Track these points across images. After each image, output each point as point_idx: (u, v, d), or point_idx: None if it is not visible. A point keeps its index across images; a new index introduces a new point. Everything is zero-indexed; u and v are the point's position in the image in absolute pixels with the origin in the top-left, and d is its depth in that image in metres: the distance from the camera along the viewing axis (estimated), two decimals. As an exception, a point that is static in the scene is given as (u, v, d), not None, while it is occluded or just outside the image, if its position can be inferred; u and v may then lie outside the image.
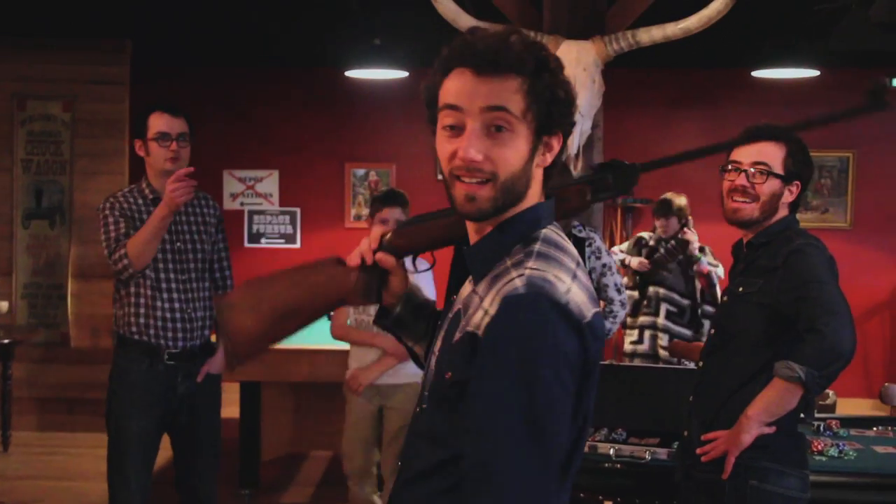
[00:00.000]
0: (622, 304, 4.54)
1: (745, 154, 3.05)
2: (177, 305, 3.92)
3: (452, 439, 1.60)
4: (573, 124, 1.69)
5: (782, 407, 2.79)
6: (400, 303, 1.94)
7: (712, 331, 3.16)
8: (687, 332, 6.09)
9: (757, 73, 6.67)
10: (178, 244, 3.97)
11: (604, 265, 4.50)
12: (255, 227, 8.70)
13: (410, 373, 4.39)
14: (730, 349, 2.99)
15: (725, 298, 3.15)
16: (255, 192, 8.70)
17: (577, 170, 4.57)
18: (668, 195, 6.38)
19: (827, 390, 4.25)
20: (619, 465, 3.36)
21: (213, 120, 8.65)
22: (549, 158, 1.66)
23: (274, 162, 8.71)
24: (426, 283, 4.25)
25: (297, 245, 8.68)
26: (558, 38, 4.53)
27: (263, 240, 8.70)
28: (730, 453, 2.83)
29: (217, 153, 8.65)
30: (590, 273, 4.47)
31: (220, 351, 4.05)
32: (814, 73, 6.56)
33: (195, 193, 3.98)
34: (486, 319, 1.56)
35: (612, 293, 4.51)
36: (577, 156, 4.53)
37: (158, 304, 3.89)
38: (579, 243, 4.44)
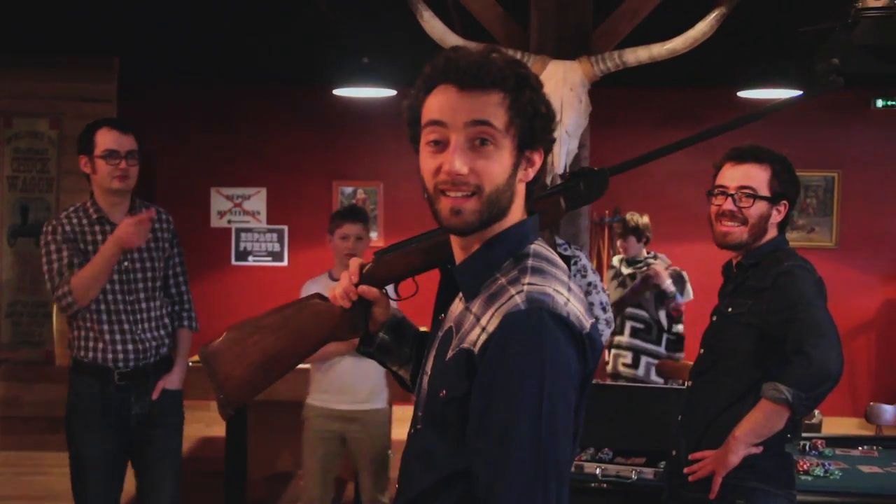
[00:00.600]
0: (607, 323, 4.54)
1: (731, 178, 3.07)
2: (126, 327, 3.79)
3: (449, 458, 1.61)
4: (553, 140, 1.71)
5: (769, 428, 2.80)
6: (383, 329, 1.94)
7: (702, 350, 3.17)
8: (657, 348, 5.95)
9: (742, 94, 6.71)
10: (126, 263, 3.82)
11: (589, 283, 4.51)
12: (242, 245, 8.69)
13: (371, 400, 4.43)
14: (719, 369, 3.01)
15: (715, 318, 3.19)
16: (243, 209, 8.69)
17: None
18: (627, 215, 6.37)
19: (813, 410, 4.27)
20: (605, 485, 3.36)
21: (201, 138, 8.66)
22: (531, 173, 1.69)
23: (262, 180, 8.71)
24: None
25: (285, 263, 8.67)
26: (545, 58, 4.54)
27: (251, 258, 8.69)
28: (717, 473, 2.84)
29: (205, 171, 8.65)
30: None
31: (177, 367, 3.96)
32: (798, 93, 6.61)
33: (147, 208, 3.92)
34: (484, 337, 1.57)
35: (597, 311, 4.52)
36: (563, 175, 4.54)
37: (105, 326, 3.76)
38: (564, 261, 4.44)
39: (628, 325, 5.94)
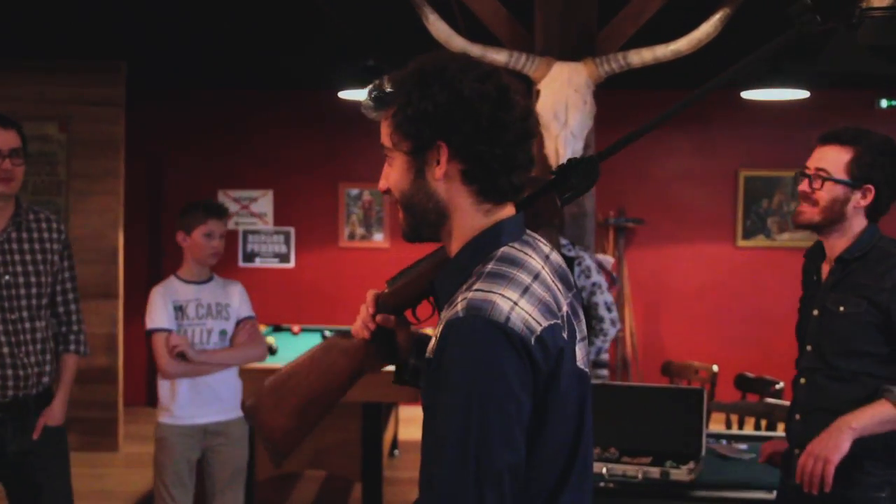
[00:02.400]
0: (612, 323, 4.56)
1: (812, 159, 2.98)
2: (5, 350, 3.34)
3: None
4: (462, 130, 1.67)
5: (884, 427, 2.76)
6: (412, 354, 1.95)
7: (808, 347, 3.12)
8: None
9: (747, 94, 6.72)
10: (7, 277, 3.38)
11: (593, 284, 4.53)
12: (249, 247, 8.72)
13: (236, 409, 4.10)
14: (840, 369, 2.93)
15: (816, 313, 3.10)
16: (250, 211, 8.73)
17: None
18: None
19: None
20: (611, 485, 3.38)
21: (208, 140, 8.69)
22: (440, 171, 1.69)
23: (268, 182, 8.74)
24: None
25: (291, 265, 8.70)
26: (550, 60, 4.57)
27: (258, 259, 8.72)
28: (830, 463, 2.72)
29: (212, 173, 8.68)
30: (579, 292, 4.49)
31: (59, 400, 3.55)
32: (803, 94, 6.61)
33: (35, 216, 3.52)
34: (433, 343, 1.62)
35: (602, 311, 4.54)
36: (553, 172, 4.56)
37: None
38: (568, 262, 4.47)
39: None
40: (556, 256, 1.80)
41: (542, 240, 1.81)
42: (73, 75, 7.18)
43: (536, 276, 1.66)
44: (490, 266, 1.65)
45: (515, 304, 1.58)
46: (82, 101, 7.16)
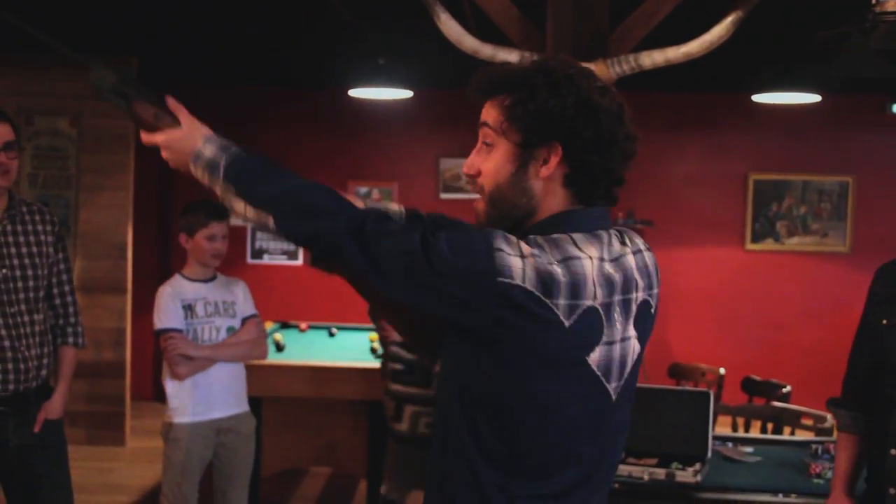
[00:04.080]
0: None
1: None
2: (6, 343, 3.34)
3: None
4: (583, 136, 1.70)
5: None
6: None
7: None
8: (418, 391, 4.59)
9: (758, 98, 6.71)
10: (5, 271, 3.38)
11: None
12: (257, 244, 8.73)
13: (243, 402, 4.18)
14: None
15: None
16: (260, 209, 8.73)
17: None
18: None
19: (824, 414, 4.27)
20: (617, 486, 3.38)
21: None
22: (546, 171, 1.71)
23: (277, 179, 8.73)
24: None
25: (299, 262, 8.71)
26: (561, 61, 4.56)
27: (266, 256, 8.73)
28: None
29: (221, 170, 8.69)
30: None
31: (59, 393, 3.56)
32: (815, 98, 6.60)
33: (28, 207, 3.50)
34: None
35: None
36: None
37: None
38: None
39: (389, 367, 4.68)
40: (631, 259, 1.77)
41: (629, 234, 1.82)
42: (84, 70, 7.14)
43: (566, 259, 1.65)
44: (538, 238, 1.68)
45: (523, 257, 1.61)
46: (93, 95, 7.12)
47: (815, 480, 3.48)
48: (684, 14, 4.74)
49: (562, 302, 1.62)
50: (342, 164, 8.73)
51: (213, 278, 4.20)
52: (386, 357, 4.34)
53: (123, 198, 7.20)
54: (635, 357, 1.78)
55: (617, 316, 1.72)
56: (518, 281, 1.58)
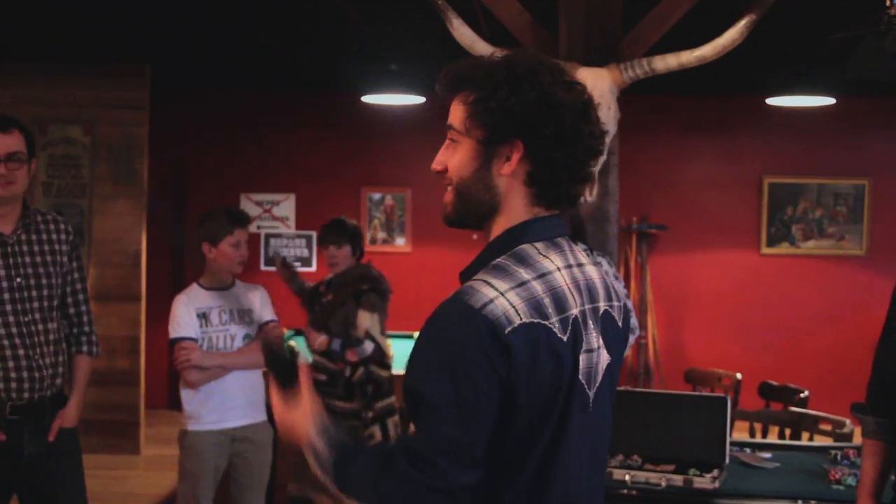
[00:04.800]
0: (631, 330, 4.52)
1: None
2: (21, 352, 3.32)
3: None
4: (543, 133, 1.69)
5: None
6: None
7: None
8: (345, 404, 4.67)
9: (772, 101, 6.68)
10: (19, 280, 3.36)
11: (612, 290, 4.50)
12: (271, 251, 8.74)
13: (259, 412, 4.16)
14: None
15: None
16: (272, 215, 8.75)
17: (591, 195, 4.58)
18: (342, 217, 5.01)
19: (843, 419, 4.24)
20: (634, 492, 3.36)
21: (231, 144, 8.72)
22: (508, 168, 1.71)
23: (291, 186, 8.75)
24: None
25: (313, 268, 8.70)
26: (574, 65, 4.55)
27: (280, 263, 8.74)
28: None
29: (234, 177, 8.71)
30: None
31: (74, 401, 3.54)
32: (829, 100, 6.57)
33: (43, 217, 3.50)
34: None
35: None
36: (592, 182, 4.55)
37: None
38: None
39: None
40: (590, 272, 1.79)
41: (578, 248, 1.81)
42: (97, 78, 7.21)
43: (541, 276, 1.67)
44: (498, 260, 1.69)
45: (502, 294, 1.61)
46: (107, 104, 7.19)
47: (835, 486, 3.44)
48: (697, 18, 4.72)
49: (555, 318, 1.64)
50: (355, 170, 8.73)
51: (230, 286, 4.20)
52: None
53: (137, 206, 7.21)
54: (604, 367, 1.77)
55: (591, 323, 1.74)
56: (517, 321, 1.59)
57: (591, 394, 1.73)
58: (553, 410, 1.66)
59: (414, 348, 1.66)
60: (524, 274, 1.65)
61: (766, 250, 8.47)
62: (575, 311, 1.69)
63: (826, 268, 8.46)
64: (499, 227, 1.75)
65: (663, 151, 8.57)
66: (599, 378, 1.75)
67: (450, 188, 1.78)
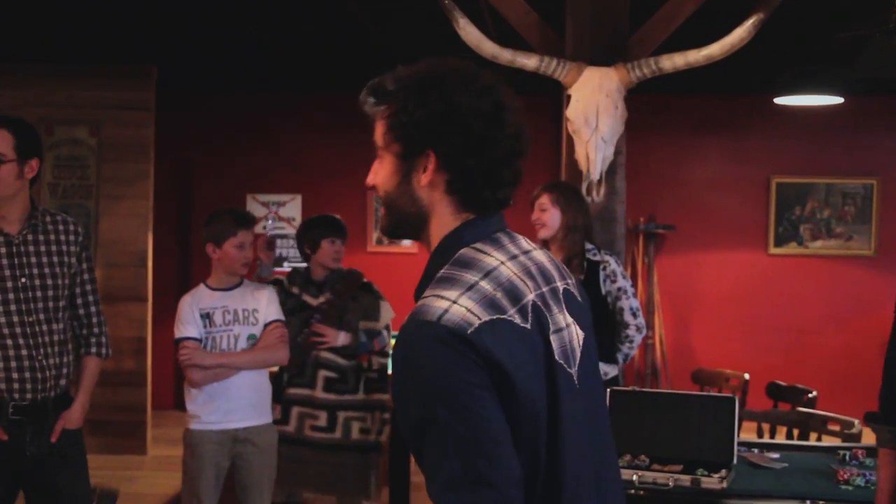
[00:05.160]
0: (638, 329, 4.51)
1: None
2: (24, 352, 3.32)
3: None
4: (451, 143, 1.69)
5: None
6: None
7: None
8: (353, 397, 4.69)
9: (779, 100, 6.66)
10: (24, 280, 3.36)
11: (619, 289, 4.48)
12: (277, 251, 8.73)
13: (265, 413, 4.20)
14: None
15: None
16: (278, 216, 8.75)
17: (599, 195, 4.57)
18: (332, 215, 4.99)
19: (852, 419, 4.22)
20: (642, 492, 3.34)
21: (237, 144, 8.72)
22: (424, 178, 1.72)
23: (297, 186, 8.75)
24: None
25: (320, 269, 8.70)
26: (581, 65, 4.54)
27: (286, 264, 8.72)
28: None
29: (240, 177, 8.71)
30: (605, 297, 4.44)
31: (78, 403, 3.53)
32: (837, 100, 6.55)
33: (52, 217, 3.50)
34: None
35: (627, 317, 4.49)
36: (599, 181, 4.54)
37: (0, 352, 3.31)
38: (592, 267, 4.43)
39: (321, 375, 4.65)
40: (537, 255, 1.80)
41: (522, 238, 1.82)
42: (103, 79, 7.22)
43: (487, 274, 1.66)
44: (443, 271, 1.69)
45: (454, 302, 1.60)
46: (113, 105, 7.20)
47: (843, 487, 3.43)
48: (705, 17, 4.71)
49: (513, 310, 1.63)
50: (361, 170, 8.66)
51: (237, 286, 4.20)
52: (316, 365, 4.60)
53: (143, 207, 7.21)
54: (582, 343, 1.77)
55: (553, 304, 1.73)
56: (476, 322, 1.58)
57: (574, 372, 1.72)
58: (541, 398, 1.65)
59: (393, 387, 1.66)
60: (470, 277, 1.65)
61: (773, 250, 8.45)
62: (531, 297, 1.68)
63: (834, 268, 8.43)
64: (434, 236, 1.76)
65: (670, 151, 8.55)
66: (578, 355, 1.75)
67: (382, 204, 1.81)
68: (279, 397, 4.56)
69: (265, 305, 4.20)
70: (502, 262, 1.70)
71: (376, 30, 5.82)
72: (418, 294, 1.71)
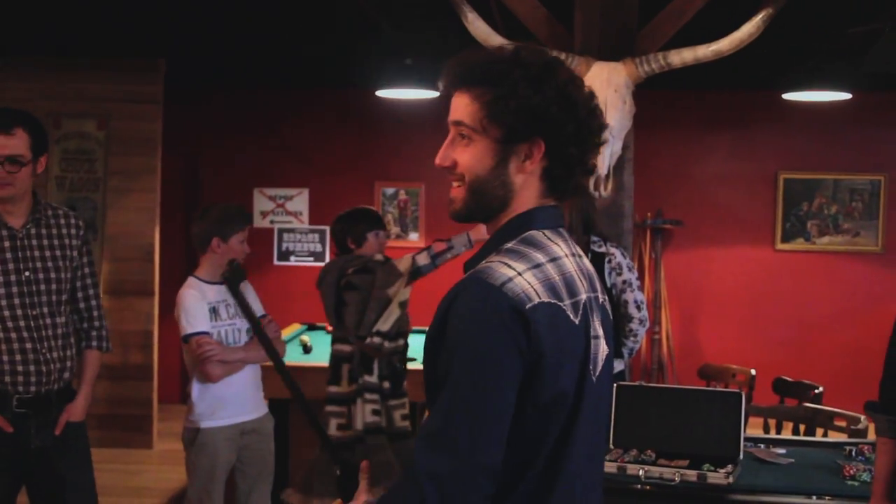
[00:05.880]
0: (641, 322, 4.51)
1: None
2: (28, 346, 3.34)
3: None
4: (565, 132, 1.71)
5: None
6: None
7: None
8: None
9: (788, 96, 6.64)
10: (27, 273, 3.38)
11: (624, 282, 4.49)
12: (284, 245, 8.74)
13: (263, 405, 4.24)
14: None
15: None
16: (286, 210, 8.75)
17: (606, 190, 4.57)
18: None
19: (858, 415, 4.21)
20: (648, 487, 3.34)
21: (245, 139, 8.73)
22: (530, 165, 1.73)
23: (304, 180, 8.76)
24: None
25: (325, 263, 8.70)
26: (589, 59, 4.53)
27: (293, 258, 8.74)
28: None
29: (248, 172, 8.72)
30: (610, 290, 4.45)
31: (82, 395, 3.56)
32: (845, 95, 6.53)
33: (54, 211, 3.52)
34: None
35: (631, 310, 4.49)
36: (607, 177, 4.53)
37: (4, 345, 3.32)
38: (598, 258, 4.44)
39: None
40: (586, 262, 1.82)
41: (571, 239, 1.84)
42: (111, 73, 7.23)
43: (554, 259, 1.69)
44: (511, 244, 1.70)
45: (519, 274, 1.62)
46: (121, 98, 7.21)
47: (850, 482, 3.42)
48: (714, 12, 4.70)
49: (568, 301, 1.67)
50: (369, 164, 8.73)
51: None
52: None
53: (151, 200, 7.22)
54: (604, 359, 1.79)
55: (594, 311, 1.77)
56: (536, 300, 1.60)
57: (594, 380, 1.75)
58: (569, 393, 1.67)
59: (430, 333, 1.66)
60: (539, 256, 1.68)
61: (781, 246, 8.44)
62: (584, 296, 1.72)
63: (841, 264, 8.42)
64: (505, 216, 1.76)
65: (678, 146, 8.54)
66: (599, 367, 1.77)
67: (457, 184, 1.78)
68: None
69: (253, 299, 4.19)
70: (566, 255, 1.73)
71: (386, 24, 5.81)
72: (470, 265, 1.73)
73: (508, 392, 1.59)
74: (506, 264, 1.63)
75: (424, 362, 1.71)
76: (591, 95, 1.76)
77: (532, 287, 1.61)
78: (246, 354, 4.07)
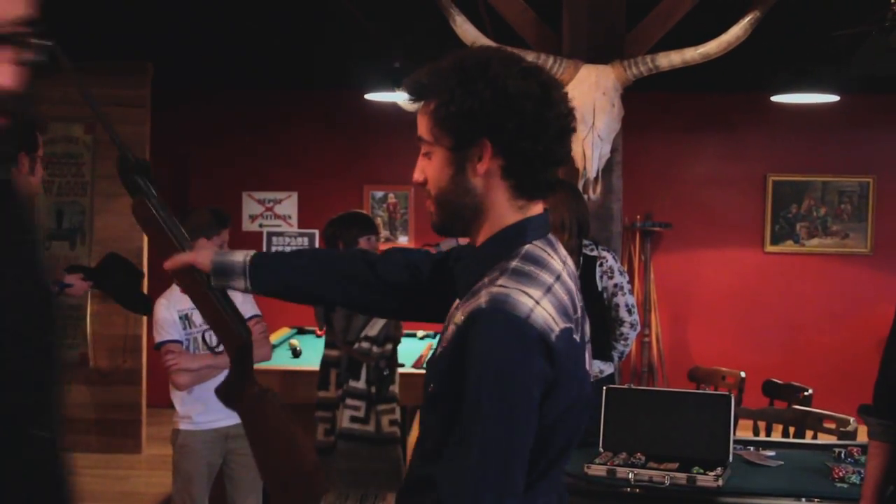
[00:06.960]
0: (632, 326, 4.51)
1: None
2: None
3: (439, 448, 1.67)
4: (507, 128, 1.68)
5: None
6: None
7: None
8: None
9: (776, 98, 6.66)
10: None
11: (615, 285, 4.49)
12: (273, 249, 8.72)
13: None
14: None
15: None
16: (274, 213, 8.73)
17: (595, 193, 4.57)
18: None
19: (847, 417, 4.22)
20: (637, 490, 3.34)
21: (233, 142, 8.71)
22: (482, 168, 1.71)
23: (293, 184, 8.74)
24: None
25: (316, 267, 8.68)
26: (577, 63, 4.54)
27: (282, 262, 8.72)
28: None
29: (237, 175, 8.69)
30: (601, 293, 4.45)
31: None
32: (833, 97, 6.55)
33: None
34: (452, 329, 1.66)
35: (622, 313, 4.49)
36: (596, 179, 4.53)
37: None
38: (589, 262, 4.43)
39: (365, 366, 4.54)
40: (570, 264, 1.82)
41: (559, 243, 1.83)
42: (98, 76, 7.18)
43: (558, 277, 1.69)
44: (515, 263, 1.68)
45: (537, 302, 1.61)
46: (108, 101, 7.14)
47: (839, 484, 3.43)
48: (701, 14, 4.71)
49: (573, 320, 1.69)
50: (358, 168, 8.72)
51: None
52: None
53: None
54: (588, 367, 1.83)
55: (583, 319, 1.79)
56: (556, 329, 1.61)
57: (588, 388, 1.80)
58: (574, 407, 1.70)
59: (447, 352, 1.66)
60: (547, 277, 1.67)
61: (770, 248, 8.45)
62: (579, 307, 1.74)
63: (830, 266, 8.43)
64: (486, 226, 1.75)
65: (667, 149, 8.55)
66: (590, 373, 1.82)
67: (429, 199, 1.79)
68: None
69: (240, 301, 4.15)
70: (562, 267, 1.73)
71: (373, 27, 5.81)
72: (469, 276, 1.73)
73: (534, 420, 1.61)
74: (524, 292, 1.62)
75: (433, 378, 1.70)
76: (546, 84, 1.72)
77: (550, 315, 1.61)
78: (214, 360, 4.01)
